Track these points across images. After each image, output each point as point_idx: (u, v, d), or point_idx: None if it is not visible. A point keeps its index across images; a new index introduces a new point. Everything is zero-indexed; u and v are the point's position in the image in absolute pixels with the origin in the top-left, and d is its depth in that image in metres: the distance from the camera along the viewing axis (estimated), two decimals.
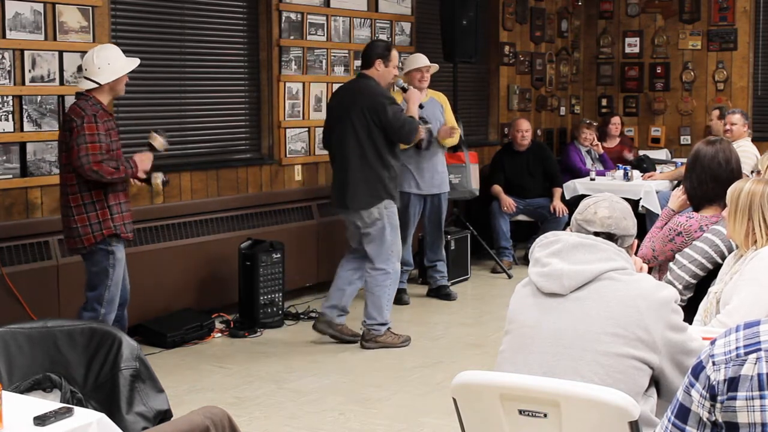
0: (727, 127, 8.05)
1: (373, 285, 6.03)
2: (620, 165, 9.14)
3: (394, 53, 6.13)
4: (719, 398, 1.87)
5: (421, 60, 7.16)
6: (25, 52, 5.54)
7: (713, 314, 3.55)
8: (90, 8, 5.86)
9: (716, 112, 9.10)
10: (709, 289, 3.70)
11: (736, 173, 4.18)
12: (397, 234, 6.11)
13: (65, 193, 5.06)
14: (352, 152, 5.96)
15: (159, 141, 5.27)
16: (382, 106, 5.91)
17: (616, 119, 9.97)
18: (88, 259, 5.09)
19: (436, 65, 7.27)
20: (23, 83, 5.55)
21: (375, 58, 6.07)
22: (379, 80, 6.06)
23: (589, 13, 11.20)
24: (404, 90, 6.30)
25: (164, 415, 3.29)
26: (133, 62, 5.17)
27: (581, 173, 9.21)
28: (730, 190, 3.60)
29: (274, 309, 6.54)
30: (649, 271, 4.17)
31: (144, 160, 5.14)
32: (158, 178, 5.28)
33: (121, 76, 5.08)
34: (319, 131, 7.48)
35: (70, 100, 5.73)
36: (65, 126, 5.02)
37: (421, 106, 6.51)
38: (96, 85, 5.01)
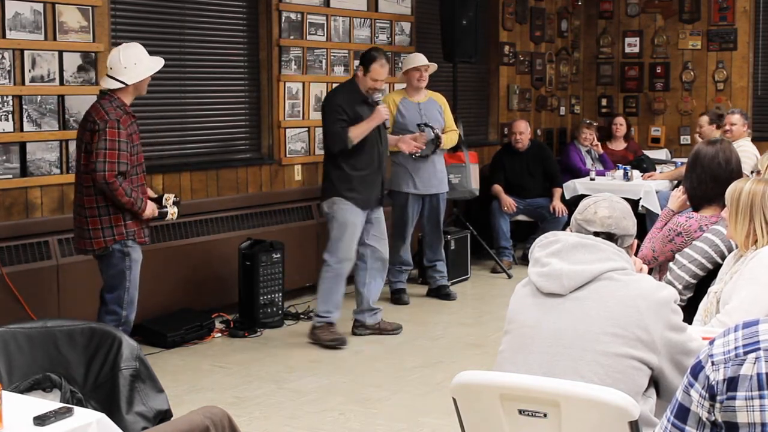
0: (727, 127, 8.05)
1: (320, 274, 6.20)
2: (620, 165, 9.14)
3: (376, 67, 6.05)
4: (718, 398, 1.87)
5: (419, 59, 7.17)
6: (25, 52, 5.54)
7: (713, 314, 3.55)
8: (90, 8, 5.86)
9: (705, 118, 8.69)
10: (709, 289, 3.70)
11: (736, 173, 4.18)
12: (343, 232, 6.10)
13: (80, 193, 5.02)
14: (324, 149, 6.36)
15: (172, 210, 5.23)
16: (324, 111, 6.21)
17: (618, 119, 9.96)
18: (104, 261, 5.05)
19: (435, 65, 7.27)
20: (23, 83, 5.54)
21: (359, 64, 6.19)
22: (359, 84, 6.13)
23: (589, 13, 11.20)
24: (376, 103, 6.19)
25: (164, 415, 3.29)
26: (159, 62, 5.13)
27: (581, 173, 9.21)
28: (729, 191, 3.59)
29: (274, 309, 6.54)
30: (649, 272, 4.18)
31: (153, 212, 5.10)
32: (169, 200, 5.23)
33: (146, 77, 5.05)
34: (319, 131, 7.49)
35: (70, 100, 5.75)
36: (86, 126, 4.95)
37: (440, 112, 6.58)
38: (122, 85, 4.97)
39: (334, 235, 6.13)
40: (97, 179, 4.85)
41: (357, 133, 6.05)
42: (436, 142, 7.08)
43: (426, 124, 7.05)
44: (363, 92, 6.13)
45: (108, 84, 5.00)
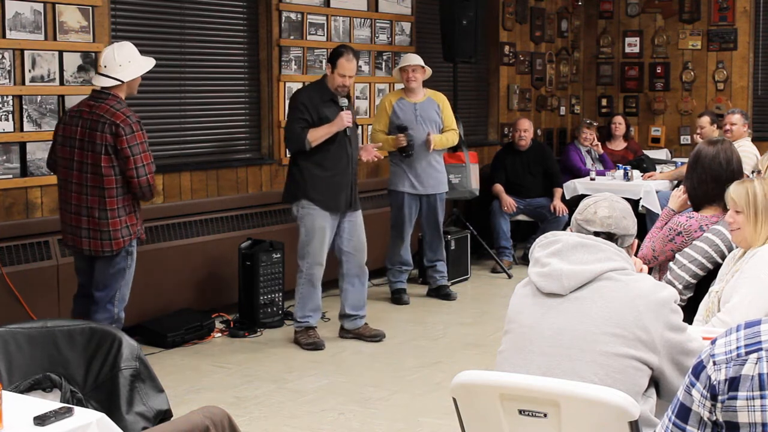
0: (727, 127, 8.05)
1: (295, 280, 6.20)
2: (620, 165, 9.14)
3: (342, 61, 5.95)
4: (720, 398, 1.87)
5: (406, 59, 7.18)
6: (25, 52, 5.54)
7: (714, 313, 3.56)
8: (90, 8, 5.86)
9: (706, 119, 8.61)
10: (710, 289, 3.70)
11: (736, 174, 4.18)
12: (312, 237, 6.04)
13: (96, 196, 4.95)
14: None
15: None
16: (287, 109, 6.20)
17: (617, 118, 9.94)
18: (105, 260, 5.04)
19: (429, 69, 7.22)
20: (23, 83, 5.55)
21: (327, 62, 6.13)
22: (328, 83, 6.06)
23: (589, 13, 11.20)
24: (341, 108, 6.07)
25: (164, 415, 3.29)
26: (150, 62, 5.15)
27: (581, 173, 9.21)
28: (739, 195, 3.55)
29: (274, 309, 6.54)
30: (650, 271, 4.18)
31: None
32: None
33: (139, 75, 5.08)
34: None
35: (70, 100, 5.74)
36: (101, 127, 4.87)
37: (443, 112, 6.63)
38: (118, 83, 4.97)
39: (303, 240, 6.08)
40: (141, 183, 4.92)
41: (315, 137, 5.93)
42: (409, 146, 6.99)
43: (400, 127, 7.01)
44: (332, 91, 6.04)
45: (102, 82, 4.99)
